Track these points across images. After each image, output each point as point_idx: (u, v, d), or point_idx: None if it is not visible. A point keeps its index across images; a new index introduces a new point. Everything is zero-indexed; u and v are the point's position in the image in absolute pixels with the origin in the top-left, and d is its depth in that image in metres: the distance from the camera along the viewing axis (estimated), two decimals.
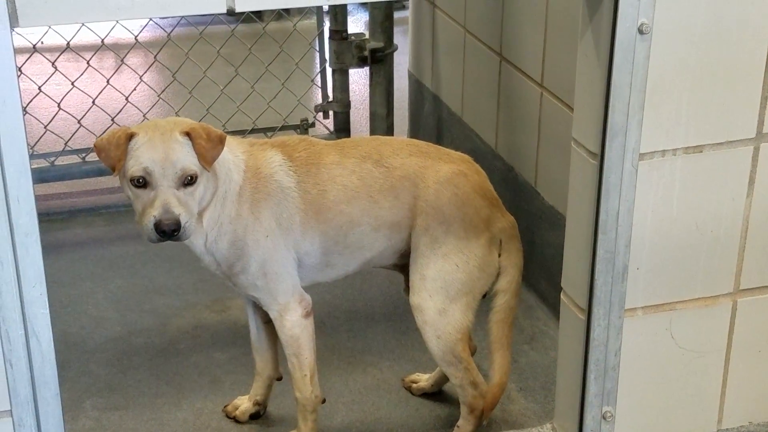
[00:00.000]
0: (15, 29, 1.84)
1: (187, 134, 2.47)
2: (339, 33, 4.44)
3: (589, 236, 2.28)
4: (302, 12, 5.33)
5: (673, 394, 2.49)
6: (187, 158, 2.45)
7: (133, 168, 2.43)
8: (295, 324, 2.70)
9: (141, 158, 2.43)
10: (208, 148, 2.46)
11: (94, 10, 1.87)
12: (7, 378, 2.01)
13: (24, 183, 1.89)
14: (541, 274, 3.48)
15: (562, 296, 2.46)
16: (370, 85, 4.50)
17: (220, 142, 2.51)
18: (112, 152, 2.45)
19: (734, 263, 2.39)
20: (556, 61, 3.24)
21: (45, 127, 4.31)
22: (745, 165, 2.31)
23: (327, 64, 4.58)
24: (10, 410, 2.04)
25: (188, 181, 2.45)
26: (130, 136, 2.46)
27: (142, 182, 2.44)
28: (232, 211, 2.60)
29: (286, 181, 2.65)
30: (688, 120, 2.22)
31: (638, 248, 2.30)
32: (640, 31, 2.09)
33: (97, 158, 4.18)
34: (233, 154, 2.63)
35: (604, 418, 2.45)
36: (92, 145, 2.52)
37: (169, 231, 2.41)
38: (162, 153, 2.43)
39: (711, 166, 2.28)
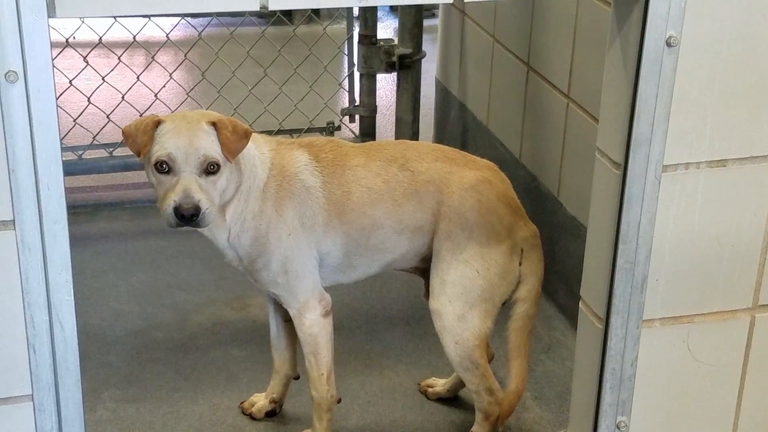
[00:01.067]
0: (50, 22, 1.86)
1: (213, 124, 2.50)
2: (368, 38, 4.46)
3: (610, 246, 2.28)
4: (332, 16, 5.36)
5: (688, 406, 2.49)
6: (210, 146, 2.48)
7: (158, 153, 2.46)
8: (314, 322, 2.71)
9: (166, 144, 2.46)
10: (232, 140, 2.49)
11: (130, 2, 1.89)
12: (30, 363, 2.03)
13: (54, 170, 1.91)
14: (560, 285, 3.49)
15: (580, 305, 2.46)
16: (397, 91, 4.53)
17: (245, 136, 2.53)
18: (139, 138, 2.49)
19: (754, 278, 2.39)
20: (583, 73, 3.25)
21: (74, 120, 4.35)
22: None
23: (355, 69, 4.60)
24: (32, 395, 2.06)
25: (211, 169, 2.48)
26: (158, 123, 2.49)
27: (165, 168, 2.47)
28: (256, 208, 2.62)
29: (310, 181, 2.67)
30: (713, 133, 2.23)
31: (658, 260, 2.30)
32: (668, 44, 2.10)
33: (124, 153, 4.26)
34: (260, 151, 2.66)
35: (618, 427, 2.45)
36: (120, 138, 2.55)
37: (188, 215, 2.44)
38: (186, 140, 2.46)
39: (734, 181, 2.28)
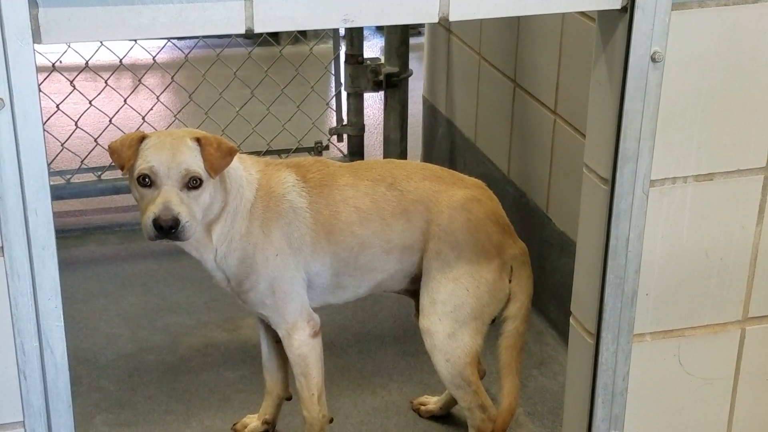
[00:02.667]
0: (36, 47, 1.87)
1: (198, 140, 2.51)
2: (355, 57, 4.47)
3: (599, 261, 2.29)
4: (319, 36, 5.37)
5: (681, 420, 2.49)
6: (193, 161, 2.48)
7: (141, 167, 2.47)
8: (303, 343, 2.71)
9: (149, 158, 2.47)
10: (216, 157, 2.50)
11: (116, 28, 1.89)
12: (20, 389, 2.03)
13: (42, 196, 1.91)
14: (551, 300, 3.49)
15: (571, 320, 2.47)
16: (385, 110, 4.54)
17: (230, 154, 2.54)
18: (123, 152, 2.50)
19: (743, 291, 2.40)
20: (569, 89, 3.26)
21: (62, 144, 4.35)
22: (755, 193, 2.32)
23: (342, 88, 4.61)
24: (23, 421, 2.05)
25: (193, 184, 2.48)
26: (142, 138, 2.51)
27: (147, 181, 2.48)
28: (243, 228, 2.62)
29: (298, 202, 2.67)
30: (699, 148, 2.24)
31: (647, 274, 2.31)
32: (653, 60, 2.11)
33: (113, 176, 4.26)
34: (248, 172, 2.66)
35: None
36: (108, 161, 2.56)
37: (166, 227, 2.44)
38: (169, 154, 2.47)
39: (721, 194, 2.29)
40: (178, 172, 2.47)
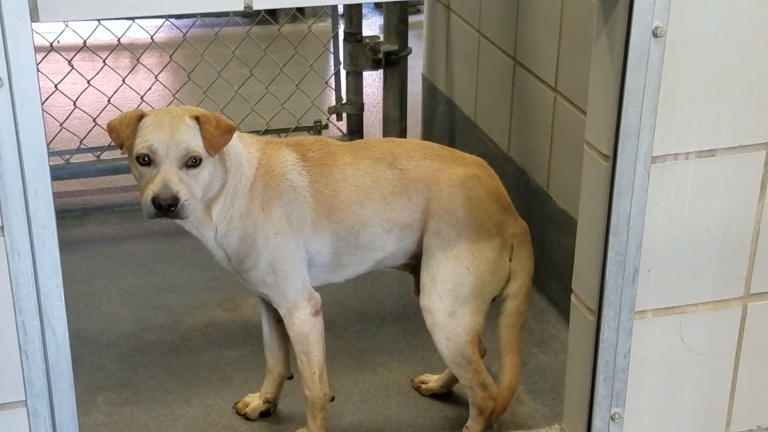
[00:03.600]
0: (34, 26, 1.86)
1: (197, 119, 2.50)
2: (353, 35, 4.45)
3: (601, 238, 2.29)
4: (317, 14, 5.35)
5: (682, 396, 2.49)
6: (192, 140, 2.48)
7: (139, 146, 2.47)
8: (304, 322, 2.71)
9: (147, 137, 2.47)
10: (215, 135, 2.49)
11: (114, 6, 1.88)
12: (22, 369, 2.03)
13: (42, 176, 1.91)
14: (551, 278, 3.49)
15: (572, 298, 2.46)
16: (384, 88, 4.52)
17: (229, 132, 2.53)
18: (122, 131, 2.50)
19: (745, 267, 2.39)
20: (569, 66, 3.25)
21: (61, 125, 4.34)
22: (757, 170, 2.31)
23: (341, 67, 4.59)
24: (25, 400, 2.06)
25: (192, 162, 2.48)
26: (141, 117, 2.50)
27: (146, 160, 2.47)
28: (243, 207, 2.61)
29: (298, 180, 2.67)
30: (701, 124, 2.23)
31: (649, 251, 2.31)
32: (655, 35, 2.11)
33: (112, 156, 4.25)
34: (247, 150, 2.66)
35: (612, 419, 2.46)
36: (107, 141, 2.55)
37: (165, 206, 2.44)
38: (168, 133, 2.46)
39: (723, 170, 2.29)
40: (177, 150, 2.47)
